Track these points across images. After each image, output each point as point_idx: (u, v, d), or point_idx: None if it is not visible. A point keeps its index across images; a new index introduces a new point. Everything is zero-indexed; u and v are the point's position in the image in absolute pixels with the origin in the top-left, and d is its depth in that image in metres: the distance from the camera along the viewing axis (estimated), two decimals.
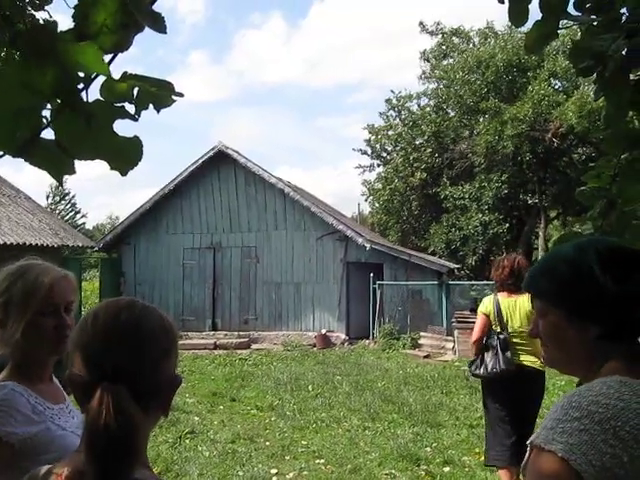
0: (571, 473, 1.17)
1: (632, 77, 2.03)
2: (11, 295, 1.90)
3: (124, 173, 1.04)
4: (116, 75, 1.00)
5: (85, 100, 0.99)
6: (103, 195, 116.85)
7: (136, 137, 1.03)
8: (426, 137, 27.94)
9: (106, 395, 1.12)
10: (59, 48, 0.91)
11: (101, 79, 0.99)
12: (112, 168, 1.04)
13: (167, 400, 1.27)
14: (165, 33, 0.97)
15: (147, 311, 1.28)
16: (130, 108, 1.02)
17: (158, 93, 1.01)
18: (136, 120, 1.02)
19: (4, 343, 1.90)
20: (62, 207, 56.65)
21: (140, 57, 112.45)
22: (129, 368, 1.17)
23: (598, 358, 1.39)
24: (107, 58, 0.96)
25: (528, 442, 1.30)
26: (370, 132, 31.14)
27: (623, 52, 1.88)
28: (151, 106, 1.03)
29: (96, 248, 21.06)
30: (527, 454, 1.31)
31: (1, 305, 1.91)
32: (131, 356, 1.19)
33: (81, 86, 0.97)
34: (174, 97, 1.04)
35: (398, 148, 29.45)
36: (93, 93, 1.00)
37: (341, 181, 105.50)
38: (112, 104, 1.00)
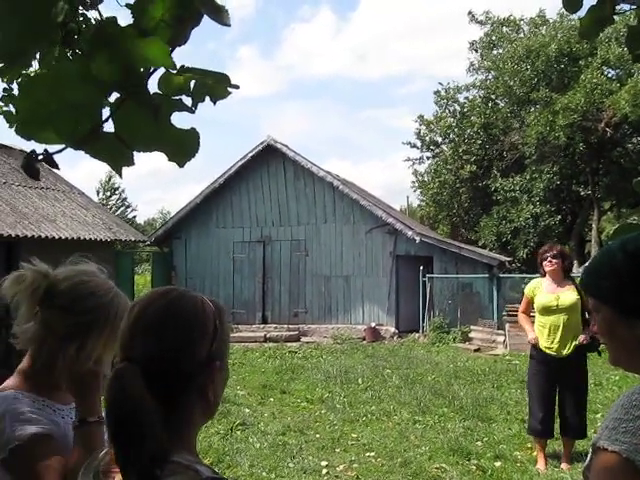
0: (636, 473, 1.14)
1: None
2: (106, 317, 1.77)
3: (182, 165, 1.06)
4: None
5: (149, 93, 1.00)
6: (154, 190, 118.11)
7: (193, 129, 1.04)
8: (475, 129, 27.63)
9: (117, 374, 1.16)
10: (125, 43, 0.93)
11: (159, 72, 1.01)
12: (170, 160, 1.05)
13: (201, 385, 1.26)
14: (229, 26, 0.98)
15: (182, 298, 1.28)
16: (187, 100, 1.04)
17: (214, 85, 1.03)
18: (193, 112, 1.04)
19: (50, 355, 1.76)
20: (113, 202, 57.49)
21: (190, 52, 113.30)
22: (151, 352, 1.19)
23: None
24: None
25: (591, 443, 1.28)
26: (421, 123, 30.94)
27: None
28: (207, 98, 1.05)
29: (148, 242, 21.38)
30: (589, 455, 1.28)
31: (83, 324, 1.76)
32: (156, 341, 1.21)
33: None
34: (230, 89, 1.05)
35: (447, 140, 29.22)
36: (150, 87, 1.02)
37: (389, 173, 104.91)
38: (170, 97, 1.02)
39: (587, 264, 1.56)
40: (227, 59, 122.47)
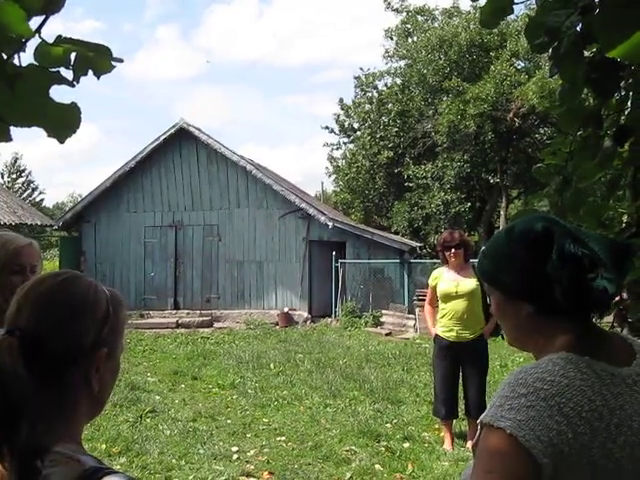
0: (520, 449, 1.17)
1: (586, 54, 2.04)
2: None
3: (62, 141, 1.01)
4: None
5: (14, 64, 0.94)
6: (65, 173, 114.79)
7: (74, 103, 0.99)
8: (392, 116, 27.98)
9: None
10: None
11: (35, 43, 0.95)
12: (49, 135, 1.00)
13: (85, 372, 1.22)
14: None
15: (74, 280, 1.26)
16: (68, 74, 0.99)
17: (96, 58, 0.98)
18: (73, 86, 0.98)
19: None
20: (19, 185, 55.52)
21: (106, 31, 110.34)
22: (33, 328, 1.15)
23: (541, 335, 1.41)
24: (40, 20, 0.92)
25: (478, 421, 1.31)
26: (341, 108, 31.15)
27: (577, 28, 1.88)
28: (90, 72, 1.00)
29: (56, 227, 20.75)
30: (477, 432, 1.32)
31: None
32: (39, 317, 1.17)
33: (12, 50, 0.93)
34: (114, 63, 1.01)
35: (365, 126, 29.46)
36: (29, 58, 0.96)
37: (307, 159, 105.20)
38: (47, 69, 0.97)
39: (482, 249, 1.60)
40: (145, 39, 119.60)
